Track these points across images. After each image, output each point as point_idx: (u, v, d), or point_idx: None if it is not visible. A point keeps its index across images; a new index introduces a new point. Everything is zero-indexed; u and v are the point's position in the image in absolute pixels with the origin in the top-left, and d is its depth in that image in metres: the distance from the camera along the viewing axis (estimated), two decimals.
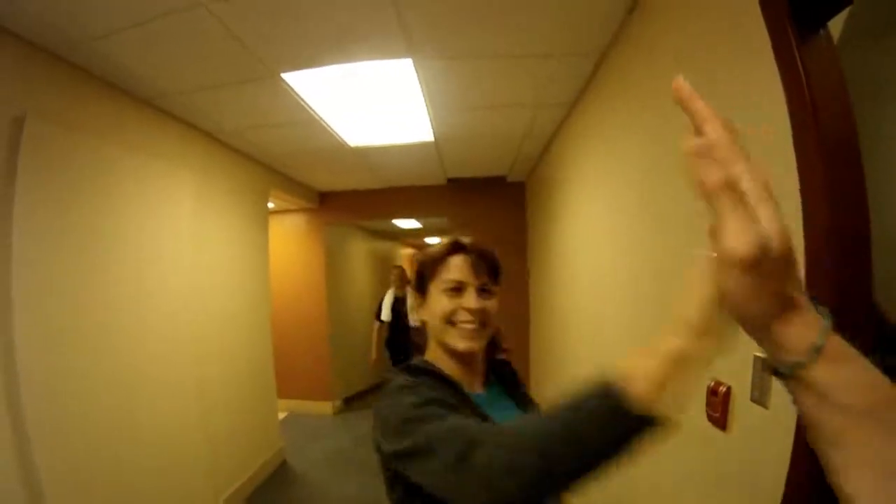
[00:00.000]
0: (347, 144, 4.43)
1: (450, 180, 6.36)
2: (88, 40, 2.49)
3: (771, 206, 0.47)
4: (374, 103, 3.52)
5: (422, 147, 4.66)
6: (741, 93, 1.55)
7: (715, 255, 0.50)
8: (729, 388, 1.65)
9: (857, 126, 1.25)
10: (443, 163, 5.40)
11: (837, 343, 0.48)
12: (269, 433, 5.24)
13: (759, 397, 1.47)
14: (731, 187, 0.47)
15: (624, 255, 2.78)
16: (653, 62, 2.23)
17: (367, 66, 2.89)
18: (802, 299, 0.50)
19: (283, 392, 6.17)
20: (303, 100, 3.33)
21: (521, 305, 6.66)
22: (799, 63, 1.24)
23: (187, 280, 3.68)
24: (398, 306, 6.61)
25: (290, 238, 7.09)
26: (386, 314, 6.64)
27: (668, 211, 2.13)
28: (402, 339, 6.46)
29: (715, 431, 1.74)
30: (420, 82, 3.12)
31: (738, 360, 1.58)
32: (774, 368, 0.52)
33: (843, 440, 0.47)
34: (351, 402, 7.59)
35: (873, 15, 2.31)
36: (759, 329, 0.52)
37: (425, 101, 3.44)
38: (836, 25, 1.34)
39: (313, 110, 3.54)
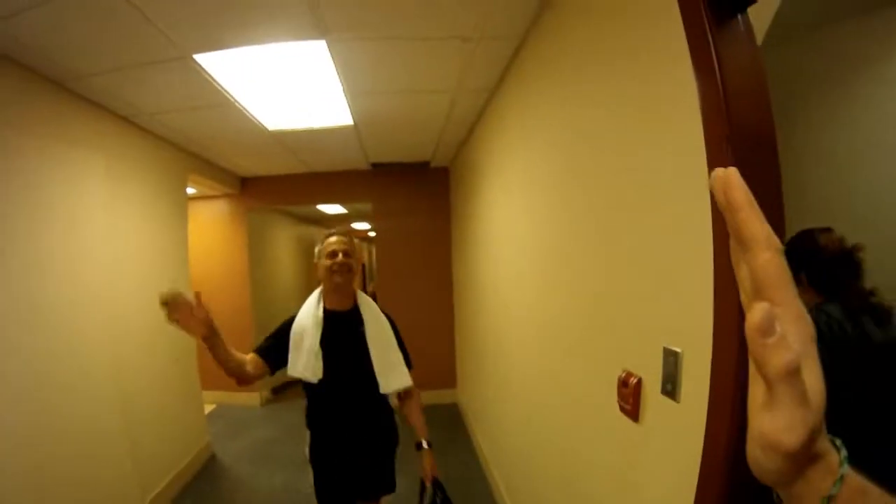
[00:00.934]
0: (266, 128, 4.36)
1: (373, 165, 6.34)
2: None
3: (816, 371, 0.43)
4: (290, 86, 3.48)
5: (341, 131, 4.63)
6: (653, 83, 1.55)
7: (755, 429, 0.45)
8: (640, 380, 1.68)
9: (781, 121, 1.24)
10: (364, 147, 5.38)
11: (852, 483, 0.45)
12: (196, 427, 5.13)
13: (671, 390, 1.48)
14: (797, 373, 0.42)
15: (539, 241, 2.84)
16: (568, 48, 2.25)
17: (280, 47, 2.85)
18: (823, 447, 0.45)
19: (210, 384, 6.03)
20: (217, 82, 3.26)
21: (445, 292, 6.75)
22: (713, 50, 1.21)
23: (101, 270, 3.56)
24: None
25: (211, 225, 6.93)
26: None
27: (581, 198, 2.19)
28: None
29: (627, 422, 1.77)
30: (335, 65, 3.10)
31: (647, 352, 1.61)
32: None
33: None
34: (279, 393, 7.49)
35: (801, 11, 2.40)
36: (778, 487, 0.48)
37: (342, 83, 3.42)
38: (763, 21, 1.35)
39: (229, 93, 3.47)
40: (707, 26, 1.22)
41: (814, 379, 0.43)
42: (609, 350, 1.95)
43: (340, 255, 2.48)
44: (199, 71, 3.07)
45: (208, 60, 2.95)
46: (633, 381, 1.70)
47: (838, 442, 0.46)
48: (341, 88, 3.50)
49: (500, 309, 3.91)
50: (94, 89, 3.34)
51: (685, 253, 1.41)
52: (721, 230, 1.20)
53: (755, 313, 0.41)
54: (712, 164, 1.22)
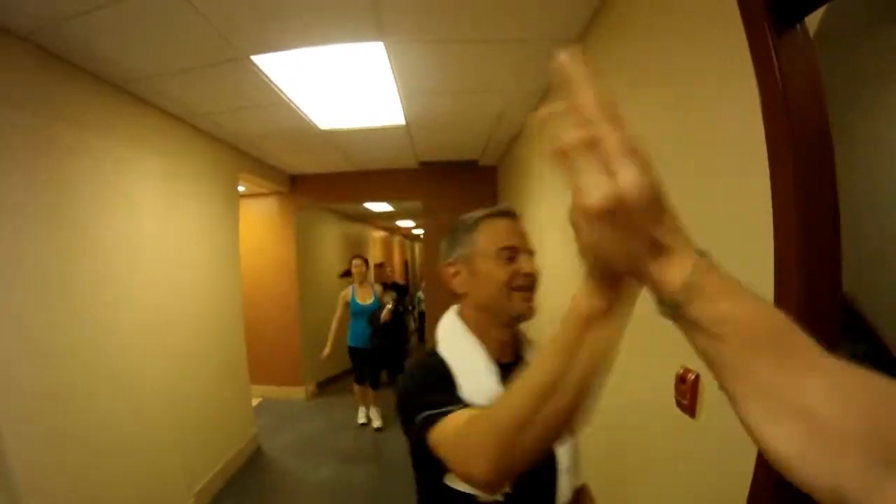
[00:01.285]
0: (318, 127, 4.39)
1: (422, 164, 6.34)
2: (58, 20, 2.41)
3: (628, 160, 0.47)
4: (344, 86, 3.49)
5: (393, 131, 4.64)
6: (716, 86, 1.55)
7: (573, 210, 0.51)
8: (697, 376, 1.67)
9: (832, 122, 1.25)
10: (414, 146, 5.38)
11: (717, 279, 0.50)
12: (243, 420, 5.22)
13: None
14: (588, 147, 0.48)
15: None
16: (630, 49, 2.22)
17: (337, 49, 2.85)
18: (678, 244, 0.51)
19: (257, 378, 6.14)
20: (273, 83, 3.28)
21: None
22: (774, 57, 1.23)
23: (157, 267, 3.63)
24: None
25: (261, 222, 7.03)
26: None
27: None
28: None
29: (685, 418, 1.75)
30: (391, 66, 3.09)
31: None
32: (659, 310, 0.53)
33: (735, 372, 0.50)
34: (324, 387, 7.58)
35: (851, 12, 2.34)
36: (636, 274, 0.53)
37: (396, 84, 3.41)
38: (812, 22, 1.34)
39: (283, 93, 3.49)
40: (769, 36, 1.26)
41: (627, 174, 0.47)
42: (667, 346, 1.92)
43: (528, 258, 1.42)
44: (255, 72, 3.10)
45: (265, 61, 2.98)
46: (690, 377, 1.70)
47: (702, 251, 0.52)
48: (396, 89, 3.50)
49: (549, 308, 3.86)
50: (153, 91, 3.40)
51: (746, 248, 1.40)
52: (782, 228, 1.24)
53: (548, 105, 0.54)
54: (774, 164, 1.27)
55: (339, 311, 6.17)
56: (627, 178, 0.47)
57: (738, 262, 1.40)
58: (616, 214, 0.47)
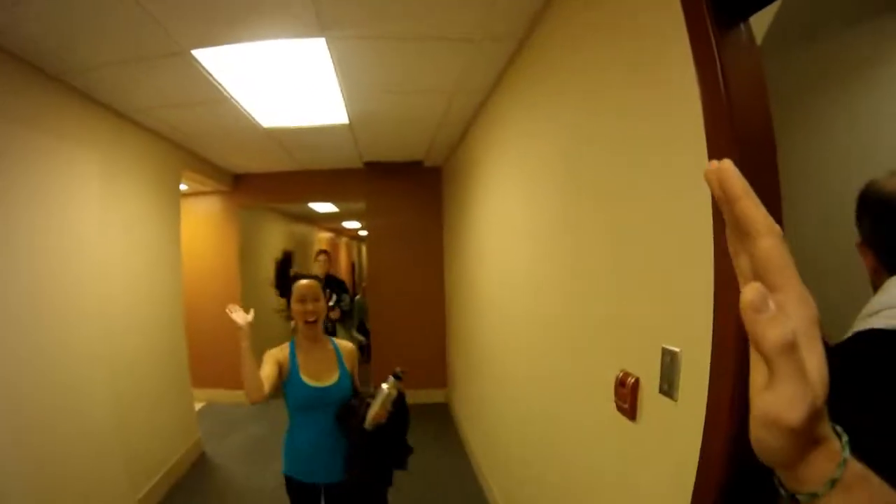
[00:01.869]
0: (261, 125, 4.36)
1: (366, 164, 6.34)
2: None
3: (818, 352, 0.43)
4: (287, 84, 3.48)
5: (336, 130, 4.63)
6: (656, 87, 1.56)
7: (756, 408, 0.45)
8: (637, 380, 1.69)
9: (777, 126, 1.26)
10: (358, 146, 5.38)
11: (853, 468, 0.45)
12: (186, 425, 5.11)
13: (668, 390, 1.49)
14: (793, 347, 0.42)
15: (535, 241, 2.85)
16: (575, 49, 2.24)
17: (279, 44, 2.84)
18: (825, 432, 0.46)
19: (200, 382, 6.03)
20: (214, 78, 3.25)
21: (436, 291, 6.77)
22: (716, 55, 1.23)
23: (94, 266, 3.54)
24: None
25: (203, 222, 6.89)
26: None
27: (579, 199, 2.20)
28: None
29: (625, 422, 1.77)
30: (333, 63, 3.09)
31: (645, 351, 1.61)
32: (792, 496, 0.48)
33: None
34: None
35: (799, 17, 2.42)
36: (782, 468, 0.48)
37: (339, 82, 3.42)
38: (761, 26, 1.37)
39: (225, 89, 3.46)
40: (711, 33, 1.25)
41: (815, 360, 0.43)
42: (606, 350, 1.96)
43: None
44: (196, 67, 3.06)
45: (206, 56, 2.94)
46: (630, 380, 1.71)
47: (839, 428, 0.47)
48: (339, 87, 3.50)
49: (493, 309, 3.92)
50: (91, 84, 3.32)
51: (684, 253, 1.42)
52: (721, 229, 1.21)
53: (747, 291, 0.42)
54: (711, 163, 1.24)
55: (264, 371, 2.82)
56: (821, 376, 0.43)
57: (675, 269, 1.46)
58: (806, 431, 0.42)
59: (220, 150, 5.47)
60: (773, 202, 1.22)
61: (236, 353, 6.58)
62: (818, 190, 2.78)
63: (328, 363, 2.68)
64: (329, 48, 2.89)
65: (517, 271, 3.20)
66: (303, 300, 2.65)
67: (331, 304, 5.28)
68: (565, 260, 2.39)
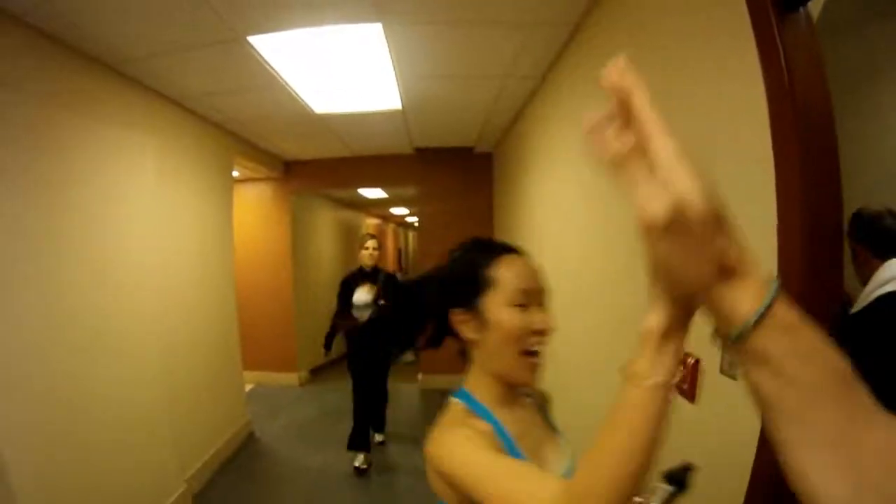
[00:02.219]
0: (313, 111, 4.36)
1: (417, 150, 6.32)
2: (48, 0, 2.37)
3: (684, 169, 0.45)
4: (341, 70, 3.46)
5: (389, 115, 4.61)
6: (717, 68, 1.53)
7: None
8: (697, 361, 1.65)
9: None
10: (410, 132, 5.35)
11: (785, 310, 0.46)
12: (236, 406, 5.20)
13: (729, 369, 1.46)
14: (639, 154, 0.47)
15: (595, 225, 2.78)
16: (632, 34, 2.19)
17: (335, 30, 2.82)
18: (747, 266, 0.48)
19: (250, 364, 6.12)
20: (269, 64, 3.25)
21: None
22: (777, 39, 1.22)
23: (150, 251, 3.59)
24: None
25: (255, 207, 6.98)
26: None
27: None
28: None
29: (683, 403, 1.73)
30: (389, 48, 3.06)
31: (707, 331, 1.56)
32: (720, 338, 0.52)
33: (795, 417, 0.46)
34: (317, 373, 7.55)
35: (849, 6, 2.34)
36: (700, 296, 0.51)
37: (393, 67, 3.38)
38: (812, 13, 1.33)
39: (279, 75, 3.46)
40: (772, 17, 1.24)
41: (683, 178, 0.45)
42: None
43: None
44: (251, 53, 3.06)
45: (261, 42, 2.94)
46: (690, 361, 1.68)
47: (771, 277, 0.49)
48: (393, 72, 3.47)
49: (560, 298, 3.85)
50: (147, 72, 3.36)
51: (748, 230, 1.36)
52: (784, 212, 1.24)
53: (589, 113, 0.52)
54: (777, 147, 1.26)
55: None
56: (684, 186, 0.44)
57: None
58: (678, 226, 0.45)
59: (273, 137, 5.51)
60: (832, 183, 1.23)
61: (285, 337, 6.51)
62: (874, 172, 2.69)
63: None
64: (385, 33, 2.86)
65: (574, 256, 3.14)
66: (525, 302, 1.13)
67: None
68: (627, 241, 2.32)
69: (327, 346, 4.91)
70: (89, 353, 2.95)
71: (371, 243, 4.63)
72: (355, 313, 4.47)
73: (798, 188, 1.18)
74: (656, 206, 0.44)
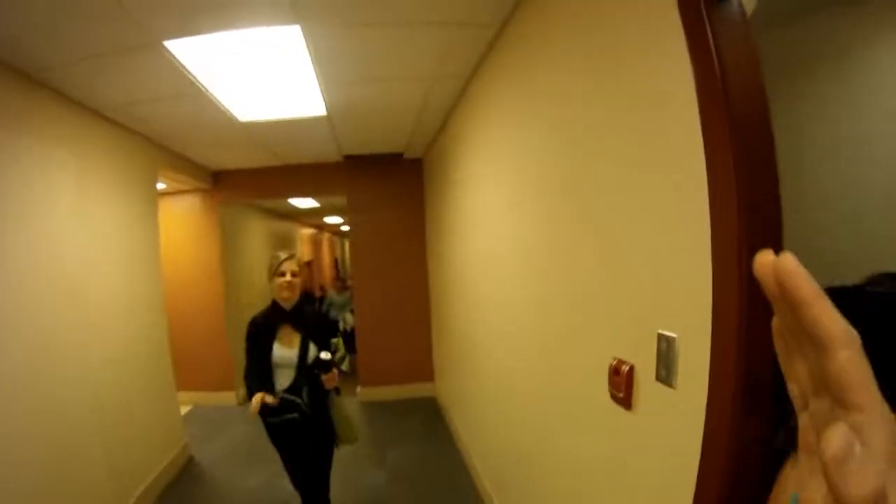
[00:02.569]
0: (237, 119, 4.26)
1: (346, 157, 6.28)
2: None
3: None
4: (263, 75, 3.39)
5: (314, 122, 4.56)
6: (644, 63, 1.52)
7: None
8: (632, 367, 1.65)
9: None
10: (337, 139, 5.31)
11: None
12: (172, 429, 5.02)
13: (666, 377, 1.45)
14: (883, 498, 0.35)
15: (522, 228, 2.80)
16: (556, 34, 2.19)
17: (254, 33, 2.76)
18: None
19: (185, 384, 5.95)
20: (188, 71, 3.15)
21: (420, 284, 6.74)
22: (708, 29, 1.20)
23: (71, 268, 3.44)
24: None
25: (183, 220, 6.78)
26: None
27: (570, 181, 2.14)
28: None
29: (619, 411, 1.73)
30: (309, 51, 3.02)
31: (640, 338, 1.57)
32: None
33: None
34: None
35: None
36: None
37: (315, 72, 3.34)
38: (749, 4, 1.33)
39: (200, 83, 3.37)
40: (702, 5, 1.21)
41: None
42: (599, 338, 1.92)
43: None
44: (169, 59, 2.97)
45: (179, 47, 2.85)
46: (624, 368, 1.67)
47: None
48: (315, 77, 3.42)
49: (479, 299, 3.87)
50: (63, 80, 3.23)
51: (679, 237, 1.38)
52: (720, 217, 1.20)
53: (834, 439, 0.35)
54: (709, 145, 1.22)
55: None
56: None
57: (670, 253, 1.41)
58: None
59: (198, 147, 5.38)
60: (770, 181, 1.19)
61: (220, 355, 6.36)
62: (812, 168, 2.77)
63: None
64: (304, 35, 2.81)
65: (503, 259, 3.15)
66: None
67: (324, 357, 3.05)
68: (552, 246, 2.35)
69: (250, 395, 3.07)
70: (4, 378, 2.79)
71: (288, 266, 3.11)
72: (276, 378, 3.14)
73: (735, 190, 1.16)
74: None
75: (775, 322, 0.41)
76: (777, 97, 1.28)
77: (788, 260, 0.37)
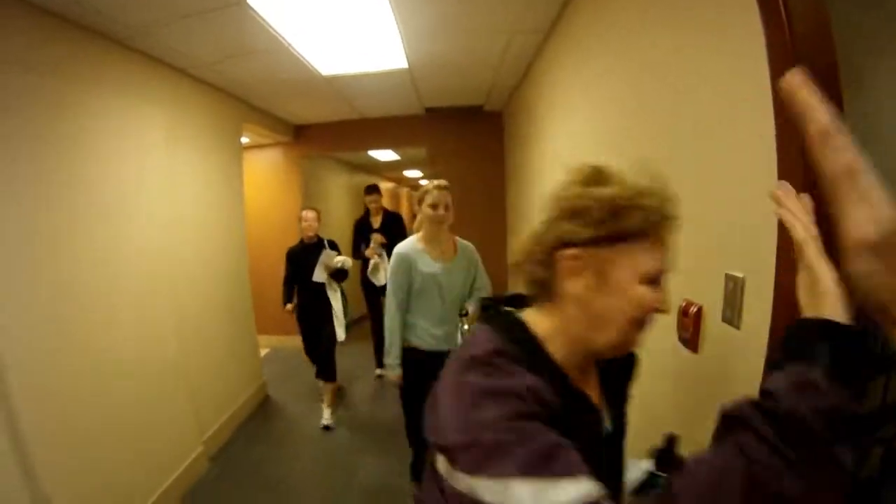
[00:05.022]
0: (320, 74, 4.30)
1: (427, 110, 6.25)
2: None
3: (880, 191, 0.50)
4: (345, 29, 3.39)
5: (396, 75, 4.55)
6: (717, 27, 1.49)
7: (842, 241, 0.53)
8: (700, 308, 1.62)
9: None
10: (418, 92, 5.29)
11: None
12: (252, 369, 5.29)
13: (731, 317, 1.43)
14: (853, 174, 0.51)
15: None
16: None
17: None
18: None
19: (265, 329, 6.17)
20: (271, 27, 3.19)
21: (500, 241, 6.64)
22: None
23: (161, 218, 3.62)
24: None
25: (266, 173, 6.97)
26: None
27: (643, 128, 2.10)
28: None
29: (687, 353, 1.71)
30: (391, 3, 2.99)
31: (708, 279, 1.55)
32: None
33: None
34: None
35: None
36: (888, 309, 0.54)
37: (397, 24, 3.32)
38: None
39: (283, 38, 3.40)
40: None
41: (882, 199, 0.50)
42: (671, 279, 1.88)
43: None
44: (253, 16, 3.01)
45: (262, 4, 2.89)
46: (693, 309, 1.64)
47: None
48: (397, 29, 3.40)
49: None
50: (151, 43, 3.34)
51: (746, 179, 1.36)
52: (785, 153, 1.19)
53: (821, 118, 0.51)
54: (777, 97, 1.19)
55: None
56: (888, 206, 0.49)
57: (737, 193, 1.37)
58: (885, 246, 0.50)
59: (280, 102, 5.48)
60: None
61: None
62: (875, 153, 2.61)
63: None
64: None
65: None
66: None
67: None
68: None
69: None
70: (104, 319, 2.99)
71: (372, 197, 6.03)
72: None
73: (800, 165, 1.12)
74: (870, 227, 0.50)
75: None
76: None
77: (792, 75, 0.55)
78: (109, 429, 2.95)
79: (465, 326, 3.14)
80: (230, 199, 4.92)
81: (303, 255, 4.77)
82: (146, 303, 3.39)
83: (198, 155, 4.30)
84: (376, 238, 5.46)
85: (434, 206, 2.98)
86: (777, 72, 1.19)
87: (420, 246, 3.07)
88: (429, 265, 3.04)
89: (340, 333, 4.85)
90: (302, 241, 4.91)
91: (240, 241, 5.11)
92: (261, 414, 5.10)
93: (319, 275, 4.71)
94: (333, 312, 4.85)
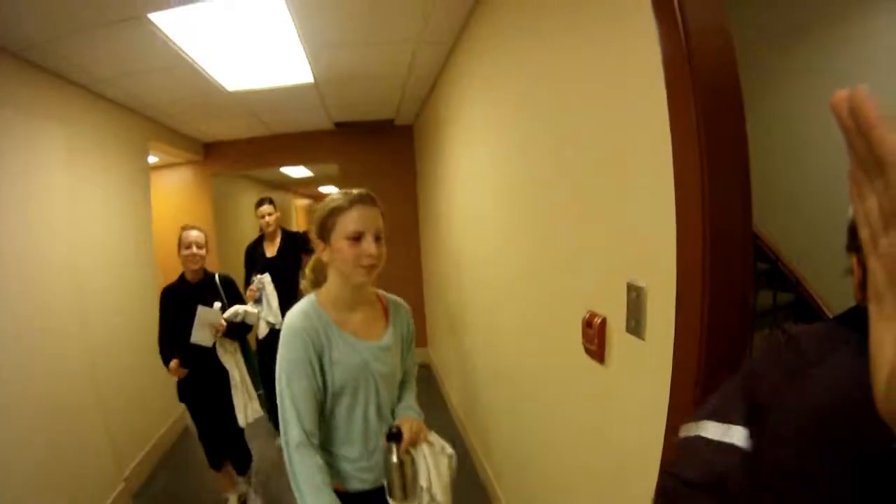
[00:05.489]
0: (226, 89, 4.26)
1: (337, 125, 6.25)
2: None
3: None
4: (248, 44, 3.40)
5: (302, 89, 4.55)
6: (617, 29, 1.51)
7: None
8: (604, 319, 1.64)
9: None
10: (326, 106, 5.30)
11: None
12: (169, 400, 5.08)
13: (636, 328, 1.45)
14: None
15: (503, 188, 2.84)
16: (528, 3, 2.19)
17: (237, 2, 2.75)
18: None
19: None
20: (174, 42, 3.16)
21: (413, 250, 6.70)
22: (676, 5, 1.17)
23: (64, 243, 3.48)
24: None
25: (175, 193, 6.78)
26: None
27: (544, 141, 2.17)
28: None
29: (594, 365, 1.73)
30: (292, 17, 3.01)
31: (611, 289, 1.57)
32: None
33: None
34: None
35: None
36: None
37: (300, 38, 3.33)
38: None
39: (186, 54, 3.37)
40: None
41: None
42: (573, 290, 1.93)
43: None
44: (154, 31, 2.98)
45: (163, 19, 2.86)
46: (597, 320, 1.66)
47: None
48: (300, 43, 3.42)
49: (469, 263, 3.91)
50: (51, 57, 3.24)
51: (645, 188, 1.40)
52: (682, 164, 1.21)
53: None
54: (674, 107, 1.22)
55: None
56: None
57: (637, 203, 1.44)
58: None
59: (188, 119, 5.37)
60: (740, 154, 1.20)
61: None
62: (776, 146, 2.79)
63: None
64: (287, 1, 2.81)
65: (488, 221, 3.20)
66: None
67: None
68: (532, 203, 2.37)
69: None
70: (7, 347, 2.85)
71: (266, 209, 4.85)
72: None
73: (698, 170, 1.15)
74: None
75: (850, 166, 0.46)
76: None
77: (860, 91, 0.43)
78: (19, 469, 2.80)
79: (395, 458, 1.70)
80: (137, 219, 4.77)
81: (185, 299, 3.28)
82: (51, 330, 3.26)
83: (102, 174, 4.16)
84: (254, 287, 4.40)
85: (356, 238, 1.75)
86: (671, 71, 1.22)
87: (328, 315, 1.78)
88: (350, 349, 1.75)
89: (241, 419, 3.38)
90: (183, 278, 3.48)
91: (148, 266, 4.95)
92: (182, 444, 4.91)
93: (202, 336, 3.21)
94: (232, 384, 3.35)
